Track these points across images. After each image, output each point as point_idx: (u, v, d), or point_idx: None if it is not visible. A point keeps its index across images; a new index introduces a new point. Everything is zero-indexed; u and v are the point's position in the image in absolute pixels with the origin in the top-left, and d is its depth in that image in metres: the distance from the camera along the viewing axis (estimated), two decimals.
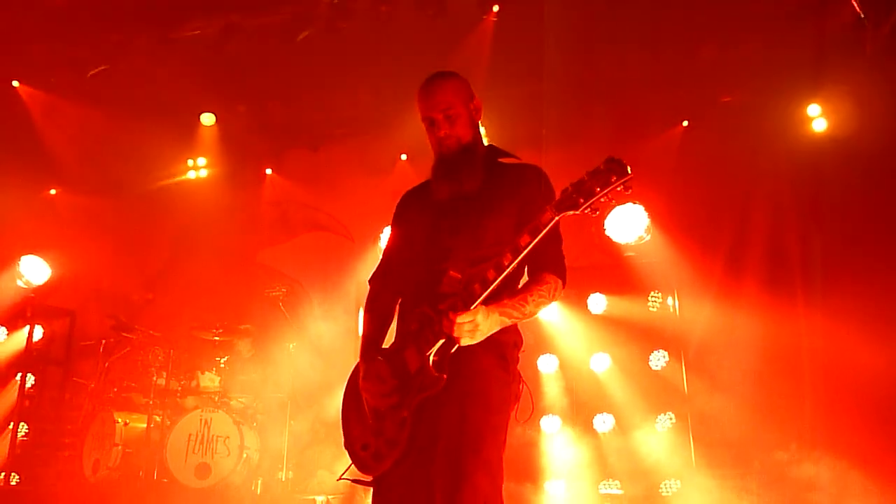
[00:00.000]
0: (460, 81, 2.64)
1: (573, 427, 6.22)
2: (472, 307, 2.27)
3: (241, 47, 6.71)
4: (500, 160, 2.64)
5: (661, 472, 5.81)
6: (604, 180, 2.15)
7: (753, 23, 6.48)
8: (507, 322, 2.38)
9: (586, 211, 2.19)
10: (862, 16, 6.12)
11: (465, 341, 2.28)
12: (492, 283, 2.27)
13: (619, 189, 2.16)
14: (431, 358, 2.35)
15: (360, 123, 7.87)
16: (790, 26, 6.40)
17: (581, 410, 6.26)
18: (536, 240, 2.22)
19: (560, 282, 2.49)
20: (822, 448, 5.45)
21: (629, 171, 2.14)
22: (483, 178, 2.56)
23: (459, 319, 2.23)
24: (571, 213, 2.19)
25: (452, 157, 2.57)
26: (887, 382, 5.47)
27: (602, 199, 2.17)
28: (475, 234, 2.48)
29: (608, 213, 6.08)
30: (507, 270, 2.26)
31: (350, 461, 2.54)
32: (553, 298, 2.47)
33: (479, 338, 2.29)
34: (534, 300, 2.41)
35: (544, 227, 2.21)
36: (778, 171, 6.69)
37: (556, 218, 2.21)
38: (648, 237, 6.13)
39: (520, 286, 2.49)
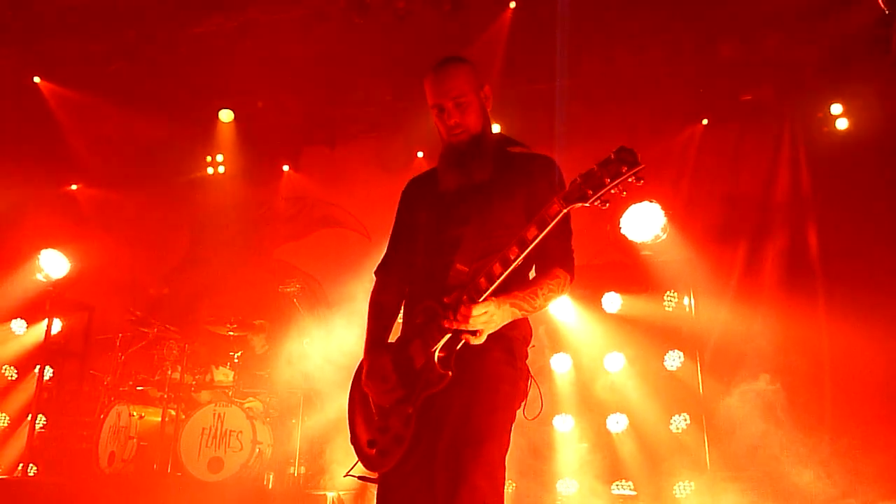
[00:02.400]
0: (470, 67, 2.55)
1: (586, 426, 6.18)
2: (478, 301, 2.22)
3: (260, 43, 6.73)
4: (510, 149, 2.58)
5: (674, 473, 5.74)
6: (614, 171, 2.05)
7: (775, 20, 6.39)
8: (518, 315, 2.34)
9: (596, 203, 2.09)
10: (886, 13, 6.00)
11: (474, 341, 2.23)
12: (498, 278, 2.22)
13: (630, 180, 2.05)
14: (437, 354, 2.31)
15: (376, 120, 7.89)
16: (812, 24, 6.31)
17: (594, 410, 6.21)
18: (544, 233, 2.16)
19: (569, 277, 2.44)
20: (841, 451, 5.35)
21: (640, 162, 2.03)
22: (493, 168, 2.50)
23: (475, 311, 2.18)
24: (580, 205, 2.11)
25: (462, 148, 2.52)
26: None
27: (612, 191, 2.07)
28: (483, 224, 2.42)
29: (622, 208, 6.01)
30: (514, 264, 2.20)
31: (356, 458, 2.52)
32: (562, 293, 2.42)
33: (491, 329, 2.25)
34: (544, 294, 2.36)
35: (552, 220, 2.14)
36: (798, 170, 6.60)
37: (565, 210, 2.13)
38: (665, 236, 6.05)
39: (530, 278, 2.45)
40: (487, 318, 2.21)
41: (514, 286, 2.32)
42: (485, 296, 2.23)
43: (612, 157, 2.07)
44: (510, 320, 2.30)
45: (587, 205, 2.11)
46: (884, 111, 6.20)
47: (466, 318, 2.19)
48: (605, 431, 6.13)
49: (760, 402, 5.78)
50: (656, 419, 5.99)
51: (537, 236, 2.16)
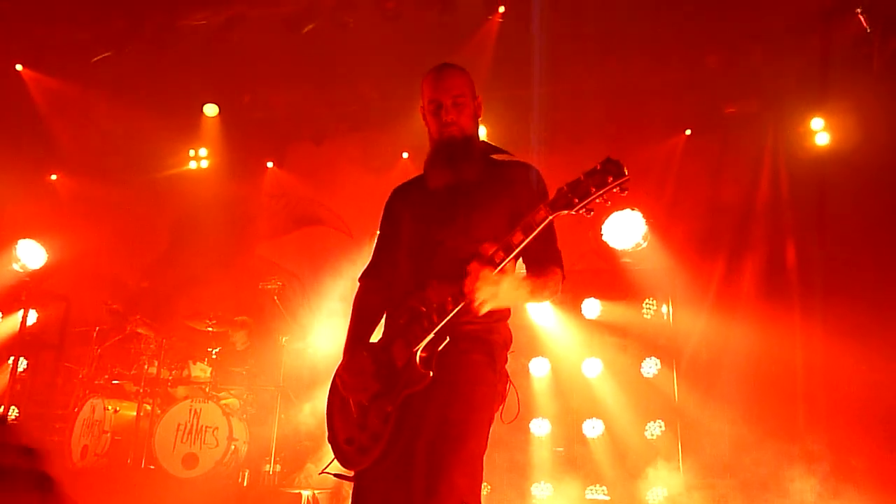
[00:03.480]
0: (469, 76, 2.64)
1: (562, 431, 6.22)
2: (460, 304, 2.26)
3: (246, 38, 6.69)
4: (494, 156, 2.64)
5: (648, 479, 5.80)
6: (600, 181, 2.12)
7: (759, 34, 6.46)
8: (521, 299, 2.38)
9: (581, 211, 2.16)
10: (869, 30, 6.10)
11: (481, 308, 2.24)
12: (461, 302, 2.27)
13: (615, 190, 2.12)
14: (419, 354, 2.34)
15: (363, 119, 7.87)
16: (796, 39, 6.39)
17: (571, 415, 6.25)
18: (529, 238, 2.21)
19: (562, 275, 2.49)
20: (814, 460, 5.43)
21: (626, 173, 2.11)
22: (480, 171, 2.56)
23: (488, 276, 2.19)
24: (566, 212, 2.17)
25: (453, 144, 2.56)
26: (882, 396, 5.47)
27: (597, 200, 2.14)
28: (466, 228, 2.47)
29: (604, 215, 6.06)
30: (500, 268, 2.24)
31: (333, 455, 2.52)
32: (558, 288, 2.48)
33: (494, 304, 2.26)
34: (546, 285, 2.42)
35: (538, 226, 2.20)
36: (779, 183, 6.68)
37: (550, 217, 2.19)
38: (645, 244, 6.11)
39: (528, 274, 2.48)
40: (497, 289, 2.22)
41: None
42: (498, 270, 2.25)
43: (599, 167, 2.14)
44: (512, 303, 2.35)
45: (573, 212, 2.17)
46: (864, 128, 6.29)
47: (480, 280, 2.19)
48: (580, 436, 6.17)
49: (734, 410, 5.86)
50: (632, 425, 6.05)
51: (523, 241, 2.22)
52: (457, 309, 2.30)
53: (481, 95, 2.67)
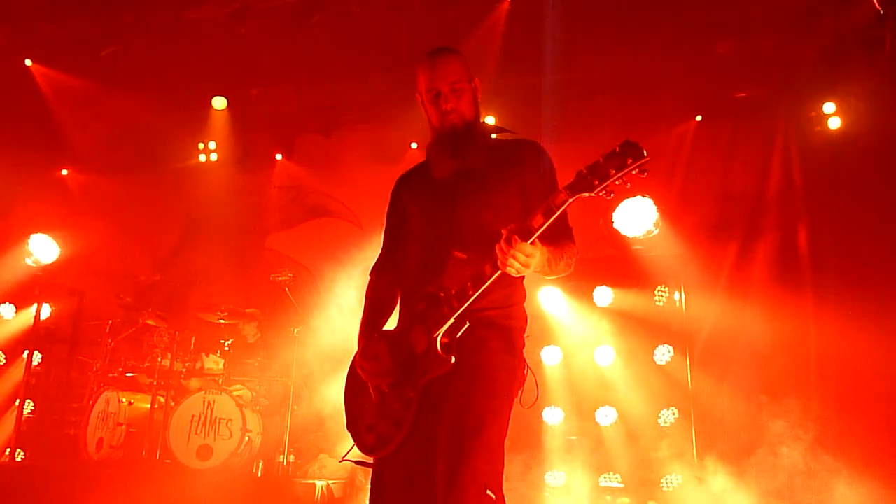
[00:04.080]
0: (464, 59, 2.60)
1: (575, 419, 6.21)
2: (481, 288, 2.27)
3: (254, 30, 6.68)
4: (498, 136, 2.63)
5: (662, 466, 5.79)
6: (619, 163, 2.10)
7: (770, 18, 6.39)
8: (547, 269, 2.36)
9: (601, 193, 2.14)
10: (882, 13, 6.02)
11: (511, 272, 2.22)
12: (490, 278, 2.26)
13: (634, 172, 2.10)
14: (440, 339, 2.33)
15: (371, 110, 7.85)
16: (808, 22, 6.31)
17: (584, 403, 6.24)
18: (549, 221, 2.19)
19: (576, 251, 2.50)
20: (828, 445, 5.41)
21: (645, 154, 2.08)
22: (486, 155, 2.54)
23: (524, 248, 2.16)
24: (586, 194, 2.15)
25: (456, 132, 2.53)
26: (894, 380, 5.43)
27: (617, 182, 2.12)
28: (479, 212, 2.45)
29: (615, 203, 6.03)
30: (531, 240, 2.22)
31: (353, 443, 2.52)
32: (572, 263, 2.49)
33: (524, 271, 2.24)
34: (563, 256, 2.42)
35: (558, 209, 2.19)
36: (790, 168, 6.63)
37: (571, 199, 2.18)
38: (657, 231, 6.08)
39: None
40: (528, 259, 2.20)
41: (506, 280, 2.34)
42: (488, 283, 2.26)
43: (617, 149, 2.12)
44: (539, 269, 2.32)
45: (592, 195, 2.15)
46: (876, 111, 6.22)
47: (507, 250, 2.16)
48: (593, 424, 6.16)
49: (748, 396, 5.84)
50: (645, 412, 6.03)
51: (543, 224, 2.21)
52: (478, 293, 2.29)
53: (488, 84, 2.65)
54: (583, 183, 2.15)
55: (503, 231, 2.19)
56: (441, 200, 2.53)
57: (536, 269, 2.31)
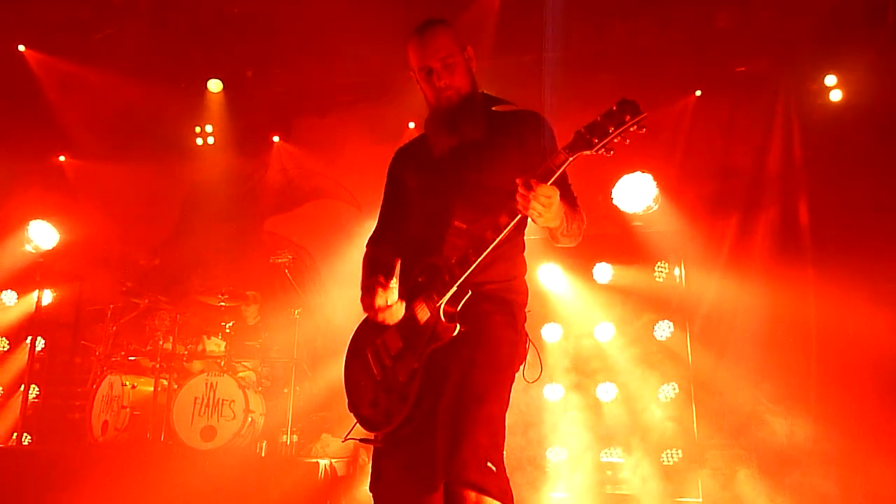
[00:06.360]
0: (452, 29, 2.55)
1: (576, 395, 6.23)
2: (483, 253, 2.26)
3: (248, 11, 6.62)
4: (497, 108, 2.59)
5: (662, 441, 5.82)
6: (617, 120, 2.09)
7: None
8: (564, 225, 2.34)
9: (601, 151, 2.13)
10: None
11: (539, 220, 2.19)
12: (504, 228, 2.25)
13: (633, 129, 2.09)
14: (443, 307, 2.33)
15: (368, 90, 7.78)
16: None
17: (584, 379, 6.26)
18: (550, 181, 2.17)
19: (584, 216, 2.49)
20: (828, 420, 5.43)
21: (642, 111, 2.08)
22: (485, 127, 2.51)
23: (544, 189, 2.13)
24: (586, 152, 2.14)
25: (452, 108, 2.50)
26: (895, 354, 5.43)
27: (616, 139, 2.11)
28: (479, 183, 2.44)
29: (614, 178, 5.98)
30: (519, 217, 2.24)
31: (355, 422, 2.51)
32: (583, 227, 2.48)
33: (545, 220, 2.21)
34: (577, 222, 2.42)
35: (558, 169, 2.18)
36: (791, 141, 6.58)
37: (571, 159, 2.17)
38: (656, 207, 6.06)
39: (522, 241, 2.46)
40: (548, 202, 2.16)
41: (508, 245, 2.34)
42: (488, 250, 2.25)
43: (615, 107, 2.11)
44: (557, 223, 2.29)
45: (592, 152, 2.14)
46: (878, 83, 6.16)
47: (528, 193, 2.13)
48: (594, 400, 6.18)
49: (748, 370, 5.85)
50: (645, 388, 6.05)
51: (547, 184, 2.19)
52: (480, 258, 2.28)
53: (482, 58, 2.59)
54: (581, 142, 2.14)
55: (517, 180, 2.16)
56: (441, 174, 2.51)
57: (554, 222, 2.27)
